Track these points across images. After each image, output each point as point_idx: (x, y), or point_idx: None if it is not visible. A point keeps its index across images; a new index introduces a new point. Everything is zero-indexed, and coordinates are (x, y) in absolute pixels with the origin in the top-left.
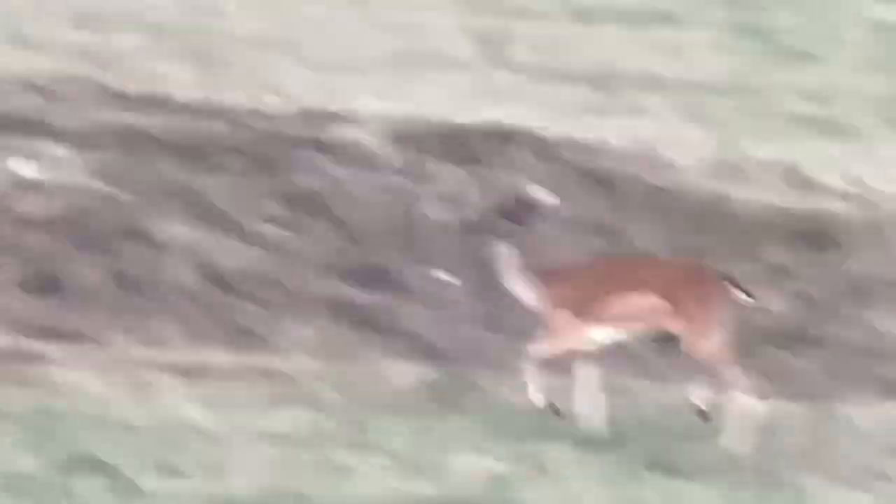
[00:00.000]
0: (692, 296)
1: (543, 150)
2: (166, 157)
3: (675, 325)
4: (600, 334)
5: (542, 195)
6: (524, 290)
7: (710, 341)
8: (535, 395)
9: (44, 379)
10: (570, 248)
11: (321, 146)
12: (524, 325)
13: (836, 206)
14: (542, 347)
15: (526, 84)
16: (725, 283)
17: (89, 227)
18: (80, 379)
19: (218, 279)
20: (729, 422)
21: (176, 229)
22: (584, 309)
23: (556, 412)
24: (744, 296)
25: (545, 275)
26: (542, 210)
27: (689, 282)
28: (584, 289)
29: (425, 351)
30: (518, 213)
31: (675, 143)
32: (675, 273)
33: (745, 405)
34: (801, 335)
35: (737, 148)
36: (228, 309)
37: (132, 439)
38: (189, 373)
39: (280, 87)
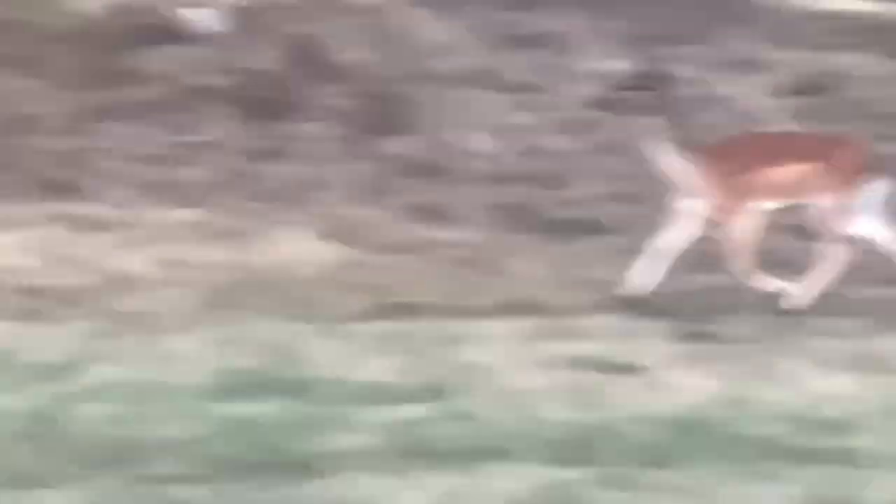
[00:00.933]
0: (844, 163)
1: None
2: None
3: (813, 194)
4: (761, 207)
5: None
6: (678, 167)
7: (836, 206)
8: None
9: None
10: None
11: None
12: None
13: None
14: (738, 258)
15: None
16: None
17: None
18: None
19: None
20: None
21: None
22: (746, 179)
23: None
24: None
25: (695, 151)
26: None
27: (833, 148)
28: (740, 162)
29: None
30: (652, 83)
31: None
32: (821, 141)
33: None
34: None
35: None
36: None
37: None
38: None
39: None
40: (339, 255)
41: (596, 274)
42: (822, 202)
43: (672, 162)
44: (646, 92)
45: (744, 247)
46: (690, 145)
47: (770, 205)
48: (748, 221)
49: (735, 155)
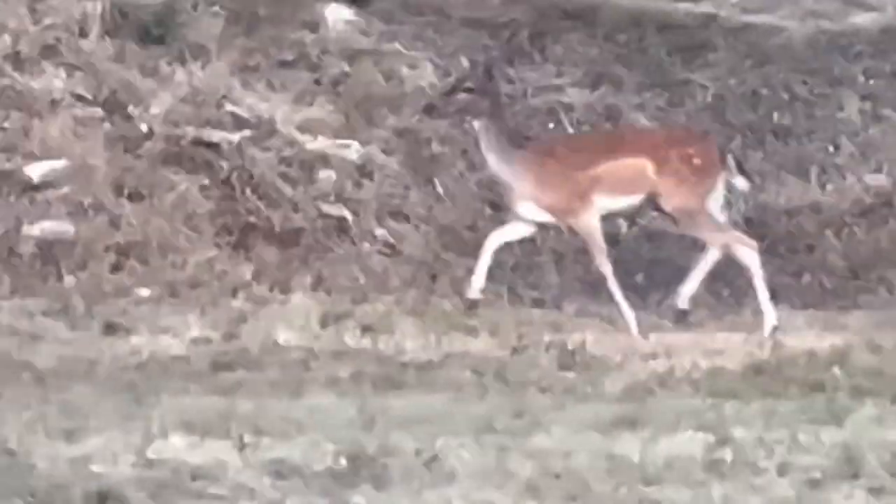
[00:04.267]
0: (678, 155)
1: None
2: None
3: (654, 189)
4: (601, 203)
5: None
6: (513, 165)
7: (684, 196)
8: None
9: None
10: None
11: None
12: None
13: None
14: (596, 253)
15: None
16: (717, 147)
17: None
18: None
19: None
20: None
21: None
22: (582, 176)
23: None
24: (740, 177)
25: (532, 150)
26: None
27: (677, 143)
28: (577, 158)
29: None
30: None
31: None
32: (662, 137)
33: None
34: None
35: None
36: None
37: None
38: None
39: None
40: None
41: None
42: (670, 199)
43: (503, 162)
44: (469, 94)
45: (596, 241)
46: (521, 144)
47: (614, 201)
48: (592, 217)
49: (571, 153)
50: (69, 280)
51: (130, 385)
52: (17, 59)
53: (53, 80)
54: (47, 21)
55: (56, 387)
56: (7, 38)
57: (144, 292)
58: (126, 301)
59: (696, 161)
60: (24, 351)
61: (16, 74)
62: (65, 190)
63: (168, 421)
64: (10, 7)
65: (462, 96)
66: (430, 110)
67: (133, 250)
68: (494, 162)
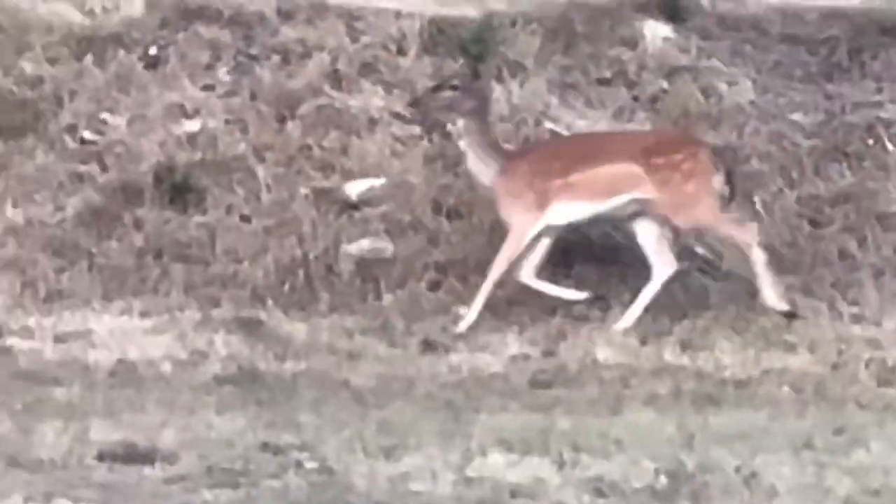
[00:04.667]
0: (668, 162)
1: None
2: None
3: (650, 193)
4: (562, 211)
5: None
6: (489, 162)
7: (692, 209)
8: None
9: None
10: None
11: None
12: None
13: None
14: (502, 258)
15: None
16: (708, 151)
17: None
18: None
19: None
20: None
21: None
22: (547, 185)
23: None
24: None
25: (512, 153)
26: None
27: (666, 149)
28: (550, 165)
29: None
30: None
31: None
32: (650, 141)
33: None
34: None
35: None
36: None
37: None
38: None
39: None
40: None
41: None
42: (650, 198)
43: (481, 164)
44: (452, 92)
45: (515, 242)
46: (500, 149)
47: (581, 209)
48: (531, 223)
49: (547, 160)
50: (388, 298)
51: (449, 403)
52: (335, 78)
53: (372, 99)
54: (365, 39)
55: (374, 405)
56: (326, 57)
57: (463, 310)
58: (444, 319)
59: (685, 166)
60: (343, 369)
61: (334, 93)
62: (383, 208)
63: (487, 439)
64: (329, 26)
65: (447, 93)
66: (415, 104)
67: (451, 268)
68: (472, 163)
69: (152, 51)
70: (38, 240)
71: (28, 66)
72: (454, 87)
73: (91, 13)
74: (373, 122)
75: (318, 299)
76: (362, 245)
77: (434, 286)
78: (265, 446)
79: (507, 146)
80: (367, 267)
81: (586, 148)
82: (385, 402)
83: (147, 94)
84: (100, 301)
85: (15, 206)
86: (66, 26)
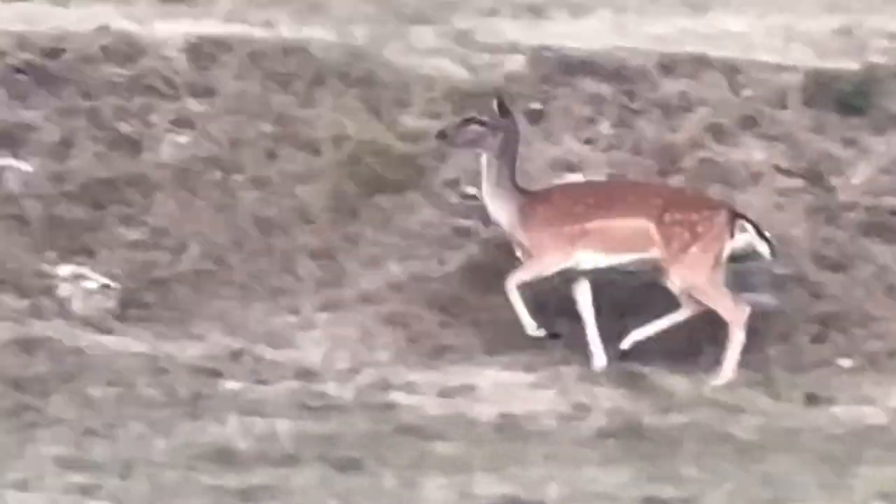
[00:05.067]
0: (679, 221)
1: None
2: None
3: (659, 252)
4: (585, 258)
5: None
6: (508, 200)
7: (691, 271)
8: (528, 323)
9: None
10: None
11: None
12: None
13: None
14: (522, 272)
15: None
16: (727, 215)
17: None
18: None
19: None
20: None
21: None
22: (569, 230)
23: (555, 336)
24: (759, 242)
25: (532, 194)
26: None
27: (681, 208)
28: (571, 209)
29: None
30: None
31: None
32: (668, 198)
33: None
34: None
35: None
36: None
37: None
38: None
39: None
40: None
41: None
42: (656, 257)
43: (499, 200)
44: (478, 126)
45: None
46: (523, 189)
47: (602, 259)
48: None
49: (568, 200)
50: (771, 351)
51: (830, 455)
52: (717, 131)
53: (753, 152)
54: (746, 93)
55: (756, 458)
56: (707, 110)
57: (845, 363)
58: (827, 371)
59: (700, 229)
60: (726, 423)
61: (716, 146)
62: (767, 262)
63: (868, 491)
64: (711, 79)
65: (473, 127)
66: (442, 136)
67: (834, 321)
68: (489, 198)
69: (535, 105)
70: (422, 295)
71: (409, 121)
72: (482, 123)
73: (473, 69)
74: (755, 176)
75: (700, 353)
76: (746, 298)
77: (817, 339)
78: (648, 500)
79: (527, 188)
80: (751, 319)
81: (607, 195)
82: (768, 456)
83: (530, 149)
84: (484, 355)
85: (399, 261)
86: (448, 81)
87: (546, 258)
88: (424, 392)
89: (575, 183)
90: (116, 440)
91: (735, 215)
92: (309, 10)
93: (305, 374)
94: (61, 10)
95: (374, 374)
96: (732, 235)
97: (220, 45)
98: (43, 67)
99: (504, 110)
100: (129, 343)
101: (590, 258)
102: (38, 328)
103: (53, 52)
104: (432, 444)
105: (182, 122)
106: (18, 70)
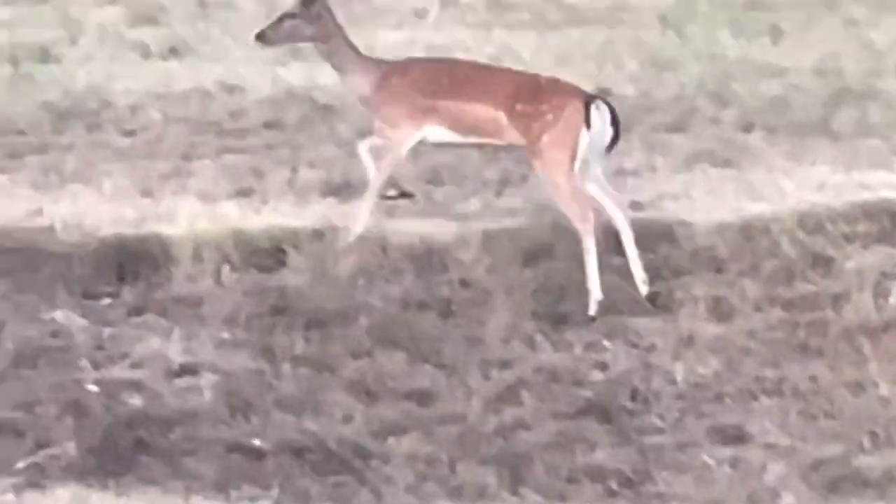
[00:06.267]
0: (531, 110)
1: None
2: None
3: (509, 138)
4: (435, 133)
5: None
6: (359, 74)
7: (546, 163)
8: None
9: None
10: None
11: None
12: None
13: None
14: (374, 138)
15: None
16: (581, 103)
17: None
18: None
19: None
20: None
21: None
22: (421, 103)
23: (408, 195)
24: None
25: (390, 65)
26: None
27: (533, 96)
28: (425, 85)
29: None
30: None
31: None
32: (520, 86)
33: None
34: None
35: None
36: None
37: None
38: None
39: None
40: None
41: None
42: (510, 142)
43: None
44: (291, 19)
45: (395, 153)
46: (366, 59)
47: (447, 135)
48: (409, 136)
49: (424, 77)
50: None
51: None
52: None
53: None
54: None
55: None
56: None
57: None
58: None
59: (549, 117)
60: None
61: None
62: None
63: None
64: None
65: (287, 22)
66: (261, 38)
67: None
68: (346, 81)
69: None
70: None
71: None
72: (294, 16)
73: None
74: None
75: None
76: None
77: None
78: None
79: (389, 59)
80: None
81: (462, 78)
82: None
83: None
84: None
85: None
86: None
87: (398, 130)
88: None
89: (434, 59)
90: None
91: (590, 102)
92: None
93: None
94: None
95: None
96: (589, 126)
97: None
98: None
99: (308, 2)
100: None
101: (440, 134)
102: None
103: None
104: None
105: None
106: None
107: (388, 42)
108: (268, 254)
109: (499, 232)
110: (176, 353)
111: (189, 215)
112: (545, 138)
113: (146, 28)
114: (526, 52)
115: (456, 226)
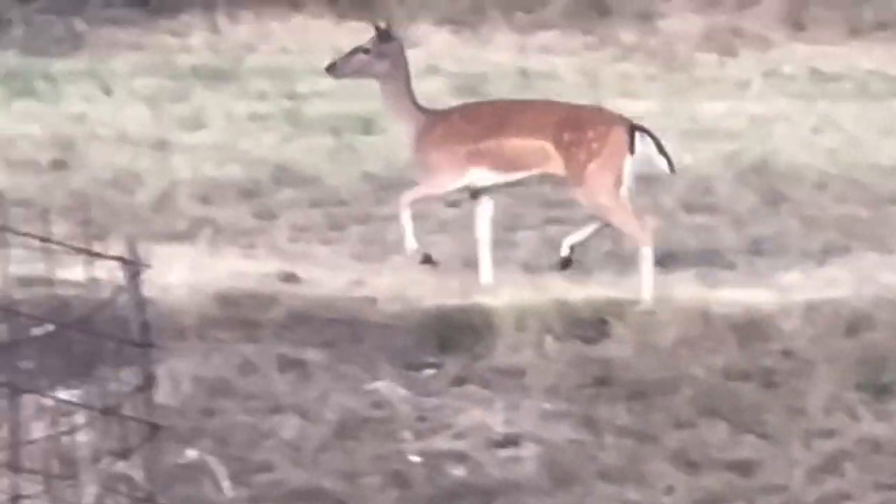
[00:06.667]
0: (577, 138)
1: None
2: None
3: (559, 169)
4: (479, 176)
5: None
6: (407, 120)
7: (592, 189)
8: (410, 241)
9: None
10: None
11: None
12: None
13: None
14: (418, 190)
15: None
16: (625, 130)
17: None
18: None
19: None
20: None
21: None
22: (464, 149)
23: (429, 261)
24: (657, 157)
25: (433, 114)
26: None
27: (576, 126)
28: (467, 129)
29: None
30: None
31: None
32: (565, 117)
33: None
34: None
35: None
36: None
37: None
38: None
39: None
40: None
41: None
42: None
43: (402, 122)
44: (363, 55)
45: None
46: (423, 108)
47: (495, 177)
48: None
49: (466, 119)
50: None
51: None
52: None
53: None
54: None
55: None
56: None
57: None
58: None
59: (595, 146)
60: None
61: None
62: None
63: None
64: None
65: (359, 56)
66: (331, 70)
67: None
68: (393, 122)
69: None
70: None
71: None
72: (366, 52)
73: None
74: None
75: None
76: None
77: None
78: None
79: (429, 108)
80: None
81: (504, 115)
82: None
83: None
84: None
85: None
86: None
87: (439, 176)
88: None
89: (474, 103)
90: None
91: (634, 130)
92: None
93: None
94: None
95: None
96: (633, 151)
97: None
98: None
99: (385, 36)
100: None
101: (484, 176)
102: None
103: None
104: None
105: None
106: None
107: (709, 112)
108: (590, 324)
109: (821, 302)
110: (498, 424)
111: (512, 286)
112: (591, 166)
113: (469, 98)
114: (848, 122)
115: (778, 296)
